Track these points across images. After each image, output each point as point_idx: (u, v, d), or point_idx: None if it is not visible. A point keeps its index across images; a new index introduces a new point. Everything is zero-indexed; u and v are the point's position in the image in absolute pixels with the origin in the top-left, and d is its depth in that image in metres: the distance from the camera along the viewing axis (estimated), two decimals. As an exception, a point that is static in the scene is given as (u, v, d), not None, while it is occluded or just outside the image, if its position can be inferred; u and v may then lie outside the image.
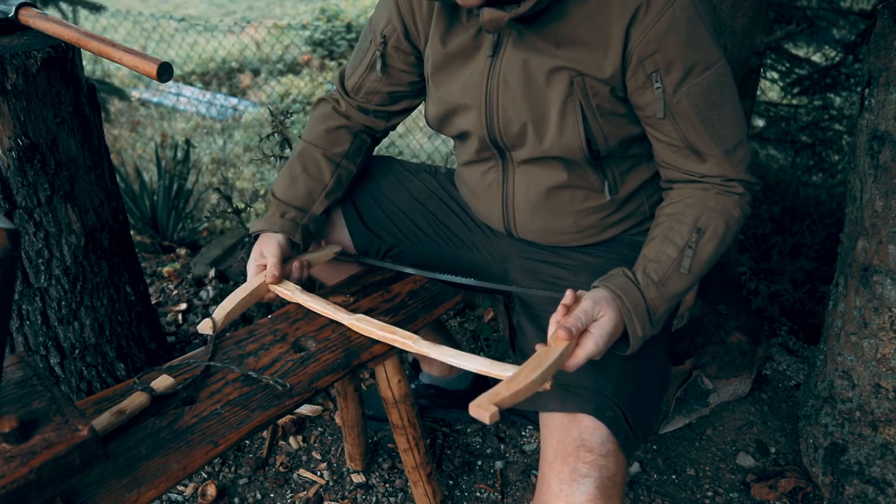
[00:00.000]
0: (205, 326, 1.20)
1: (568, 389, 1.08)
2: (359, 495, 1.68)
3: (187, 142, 3.39)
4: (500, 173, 1.32)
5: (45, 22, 1.31)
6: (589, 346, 1.01)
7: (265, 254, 1.31)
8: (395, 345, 1.15)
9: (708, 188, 1.18)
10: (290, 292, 1.29)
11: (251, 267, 1.32)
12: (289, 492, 1.69)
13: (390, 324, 1.28)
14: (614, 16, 1.09)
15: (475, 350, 2.14)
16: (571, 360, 1.00)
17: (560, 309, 1.04)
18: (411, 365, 1.97)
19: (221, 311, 1.22)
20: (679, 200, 1.19)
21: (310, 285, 2.29)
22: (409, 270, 1.42)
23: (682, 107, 1.12)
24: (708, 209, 1.15)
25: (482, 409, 0.90)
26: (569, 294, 1.06)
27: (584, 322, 1.01)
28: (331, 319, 1.27)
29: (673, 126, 1.15)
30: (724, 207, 1.16)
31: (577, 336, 1.00)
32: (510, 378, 0.94)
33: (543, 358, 0.97)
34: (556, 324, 1.02)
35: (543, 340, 1.20)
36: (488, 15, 1.10)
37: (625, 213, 1.33)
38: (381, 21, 1.34)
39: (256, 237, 1.38)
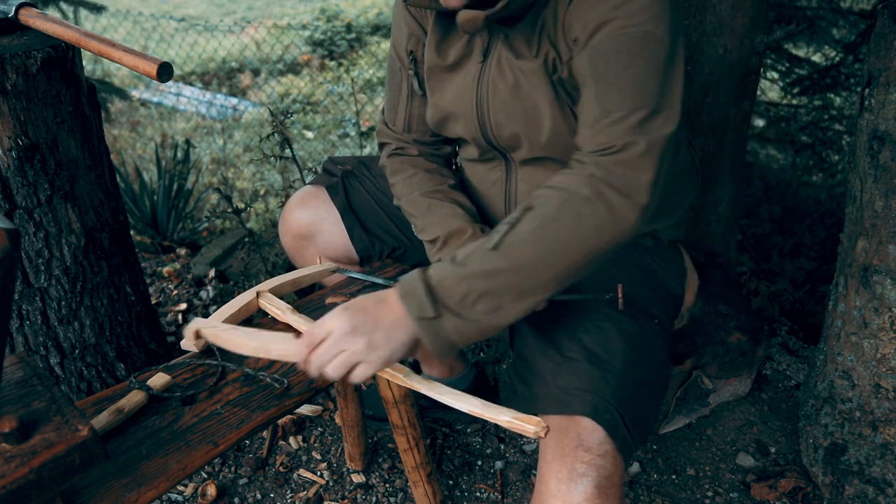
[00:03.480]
0: (188, 342, 1.17)
1: (568, 392, 1.08)
2: (359, 495, 1.68)
3: (187, 142, 3.40)
4: (503, 172, 1.32)
5: (45, 22, 1.31)
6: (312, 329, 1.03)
7: None
8: (385, 376, 1.11)
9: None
10: (281, 312, 1.25)
11: None
12: (289, 492, 1.69)
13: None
14: (560, 7, 1.08)
15: (475, 350, 2.14)
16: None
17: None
18: (411, 365, 1.97)
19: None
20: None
21: (310, 286, 2.29)
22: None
23: (581, 66, 1.06)
24: (545, 187, 1.04)
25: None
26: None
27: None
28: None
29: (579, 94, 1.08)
30: (566, 184, 1.02)
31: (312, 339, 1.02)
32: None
33: (271, 333, 1.10)
34: None
35: (541, 340, 1.21)
36: (464, 16, 1.09)
37: None
38: (401, 40, 1.32)
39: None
